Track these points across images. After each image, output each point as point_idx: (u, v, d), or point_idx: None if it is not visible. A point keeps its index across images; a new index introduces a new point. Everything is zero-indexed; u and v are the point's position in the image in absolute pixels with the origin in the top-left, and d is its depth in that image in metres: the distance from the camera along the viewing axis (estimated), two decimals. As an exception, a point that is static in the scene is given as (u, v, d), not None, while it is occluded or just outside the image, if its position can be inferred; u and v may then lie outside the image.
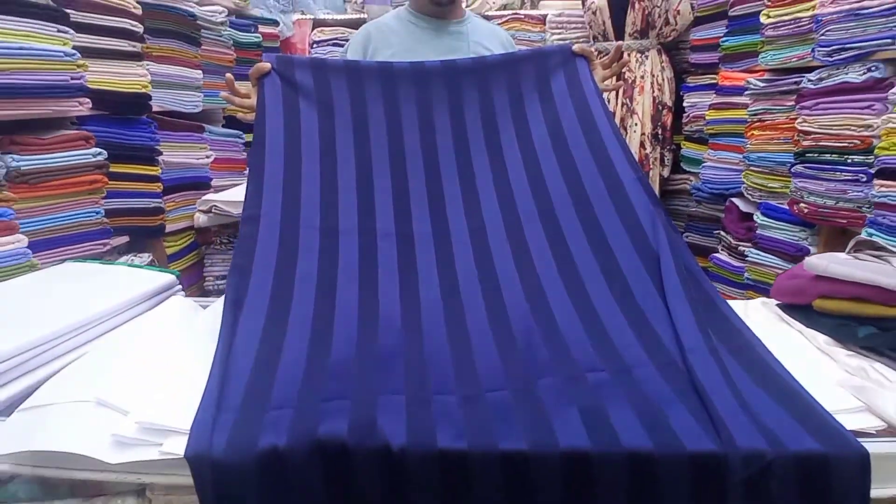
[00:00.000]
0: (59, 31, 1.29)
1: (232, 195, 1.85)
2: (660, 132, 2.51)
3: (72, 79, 1.32)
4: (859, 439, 0.66)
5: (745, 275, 1.90)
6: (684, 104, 2.45)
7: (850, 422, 0.70)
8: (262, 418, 0.70)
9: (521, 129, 1.16)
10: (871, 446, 0.66)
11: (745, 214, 1.98)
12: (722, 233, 2.12)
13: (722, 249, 2.11)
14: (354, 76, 1.18)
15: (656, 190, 2.57)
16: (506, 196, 1.06)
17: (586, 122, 1.14)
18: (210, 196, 1.86)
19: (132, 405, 0.72)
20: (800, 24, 1.62)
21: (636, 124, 2.48)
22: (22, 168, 1.20)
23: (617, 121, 2.50)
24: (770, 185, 1.80)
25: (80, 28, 1.39)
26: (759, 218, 1.85)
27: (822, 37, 1.49)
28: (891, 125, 1.26)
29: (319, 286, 0.90)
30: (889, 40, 1.30)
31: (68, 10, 1.34)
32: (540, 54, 1.27)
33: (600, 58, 1.27)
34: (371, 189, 1.06)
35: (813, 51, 1.53)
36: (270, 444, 0.66)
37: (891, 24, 1.29)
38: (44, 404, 0.74)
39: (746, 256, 1.89)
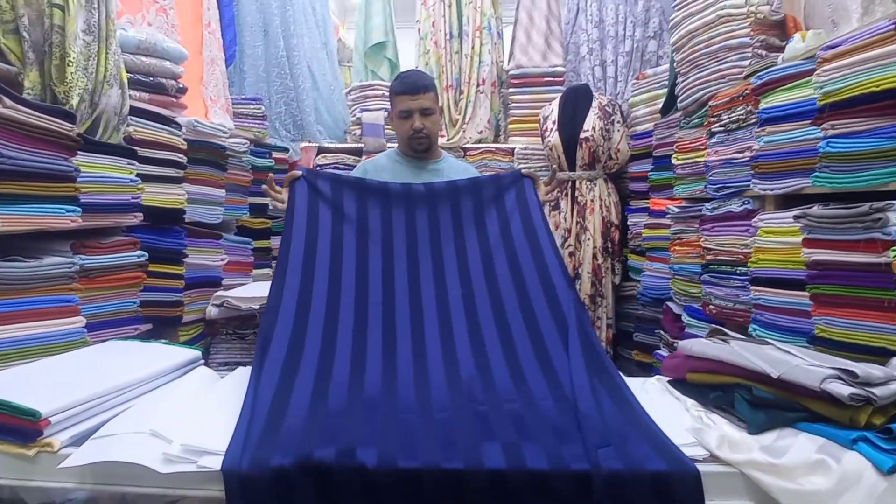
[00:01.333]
0: (128, 163, 1.71)
1: (241, 292, 2.17)
2: (609, 246, 2.93)
3: (132, 198, 1.71)
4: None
5: (679, 367, 2.20)
6: (628, 223, 2.91)
7: (687, 452, 0.99)
8: (275, 444, 0.97)
9: (480, 230, 1.58)
10: (700, 467, 0.95)
11: (676, 315, 2.32)
12: (661, 331, 2.45)
13: (662, 346, 2.43)
14: (360, 188, 1.62)
15: (610, 296, 2.95)
16: (465, 279, 1.46)
17: (528, 226, 1.57)
18: (222, 293, 2.17)
19: (176, 435, 1.00)
20: (698, 166, 2.08)
21: (589, 239, 2.91)
22: (86, 265, 1.54)
23: (573, 236, 2.94)
24: (691, 290, 2.17)
25: (142, 160, 1.80)
26: (685, 318, 2.19)
27: (711, 177, 1.94)
28: (757, 245, 1.65)
29: (323, 343, 1.26)
30: (750, 182, 1.74)
31: (135, 148, 1.77)
32: (497, 177, 1.73)
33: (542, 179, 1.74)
34: (366, 270, 1.45)
35: (705, 187, 1.98)
36: (279, 463, 0.93)
37: (751, 173, 1.73)
38: (110, 434, 1.01)
39: (679, 351, 2.20)
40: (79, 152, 1.51)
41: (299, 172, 1.56)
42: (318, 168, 3.28)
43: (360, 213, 1.56)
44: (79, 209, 1.48)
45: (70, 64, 1.48)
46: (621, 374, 1.24)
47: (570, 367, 1.17)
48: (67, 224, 1.45)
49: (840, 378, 0.97)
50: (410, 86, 1.88)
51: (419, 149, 1.93)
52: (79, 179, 1.50)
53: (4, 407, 1.00)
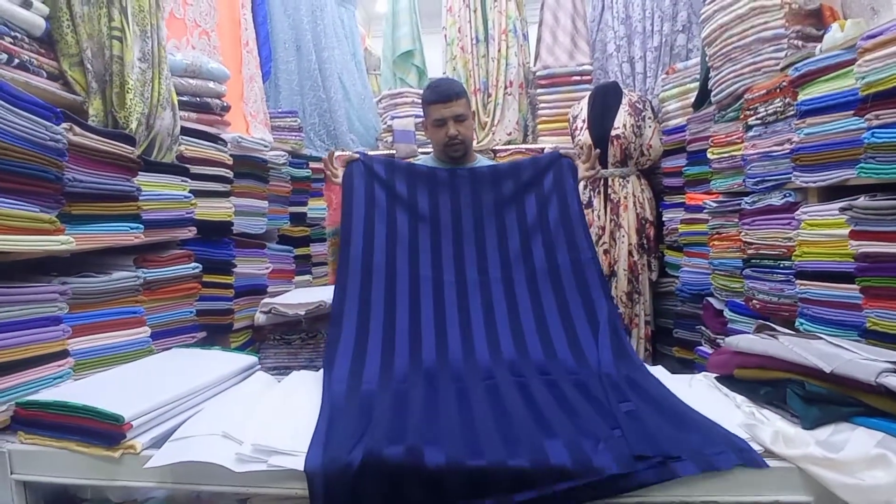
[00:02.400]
0: (182, 180, 1.80)
1: (287, 299, 2.25)
2: (645, 242, 2.92)
3: (186, 213, 1.80)
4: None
5: (722, 363, 2.18)
6: (663, 218, 2.89)
7: (741, 447, 1.00)
8: (350, 441, 1.02)
9: (519, 210, 1.72)
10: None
11: (718, 311, 2.30)
12: (702, 328, 2.43)
13: (704, 342, 2.41)
14: (411, 172, 1.79)
15: (648, 292, 2.93)
16: (505, 259, 1.61)
17: (563, 209, 1.70)
18: (269, 300, 2.26)
19: (245, 436, 1.06)
20: (735, 160, 2.06)
21: (623, 236, 2.91)
22: (148, 279, 1.63)
23: (607, 234, 2.94)
24: (732, 285, 2.15)
25: (193, 177, 1.90)
26: (728, 314, 2.17)
27: (749, 171, 1.93)
28: (801, 238, 1.64)
29: (385, 318, 1.47)
30: (791, 175, 1.72)
31: (187, 165, 1.86)
32: (537, 159, 1.87)
33: (580, 158, 1.88)
34: (417, 245, 1.63)
35: (744, 181, 1.97)
36: (352, 461, 0.97)
37: (791, 165, 1.71)
38: (186, 436, 1.08)
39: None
40: (138, 172, 1.60)
41: (357, 155, 1.75)
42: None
43: (411, 194, 1.72)
44: (141, 226, 1.57)
45: (129, 91, 1.57)
46: (660, 366, 1.40)
47: (599, 350, 1.34)
48: (132, 240, 1.54)
49: (896, 371, 0.97)
50: (443, 94, 1.93)
51: (455, 154, 1.98)
52: (140, 198, 1.60)
53: (91, 412, 1.08)
